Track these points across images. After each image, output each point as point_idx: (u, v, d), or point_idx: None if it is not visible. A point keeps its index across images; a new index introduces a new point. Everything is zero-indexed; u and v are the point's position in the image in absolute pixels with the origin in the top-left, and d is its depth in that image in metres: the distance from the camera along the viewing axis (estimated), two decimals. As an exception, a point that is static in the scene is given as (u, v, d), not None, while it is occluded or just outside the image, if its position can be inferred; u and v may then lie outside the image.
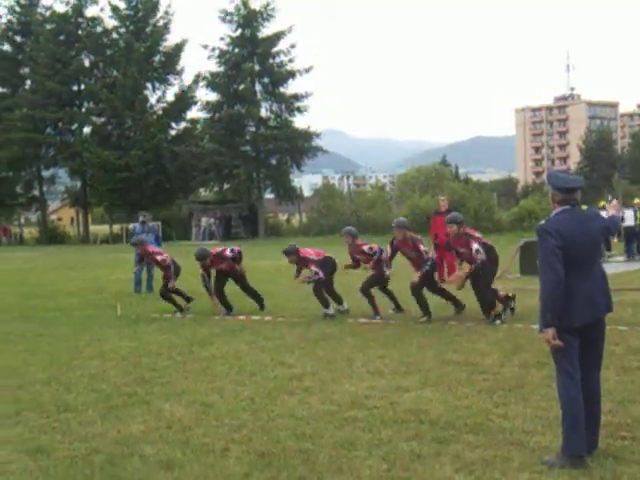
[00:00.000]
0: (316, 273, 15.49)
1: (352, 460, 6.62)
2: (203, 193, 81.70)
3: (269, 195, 74.07)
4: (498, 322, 13.81)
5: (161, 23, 70.41)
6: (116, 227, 72.24)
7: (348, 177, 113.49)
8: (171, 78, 71.14)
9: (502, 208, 66.04)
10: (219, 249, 16.89)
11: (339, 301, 15.94)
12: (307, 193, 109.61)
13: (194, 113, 72.57)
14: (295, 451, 6.91)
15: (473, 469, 6.29)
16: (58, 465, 6.77)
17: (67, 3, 70.23)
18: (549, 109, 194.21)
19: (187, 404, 8.74)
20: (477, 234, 14.57)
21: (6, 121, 68.89)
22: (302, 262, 15.93)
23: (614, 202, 7.92)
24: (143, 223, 21.91)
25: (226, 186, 71.61)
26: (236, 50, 67.43)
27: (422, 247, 14.91)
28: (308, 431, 7.51)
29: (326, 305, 15.49)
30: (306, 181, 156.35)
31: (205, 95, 72.40)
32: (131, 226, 26.27)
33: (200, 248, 16.92)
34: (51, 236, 71.61)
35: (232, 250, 16.61)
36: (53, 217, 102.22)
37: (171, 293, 17.25)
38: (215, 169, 67.82)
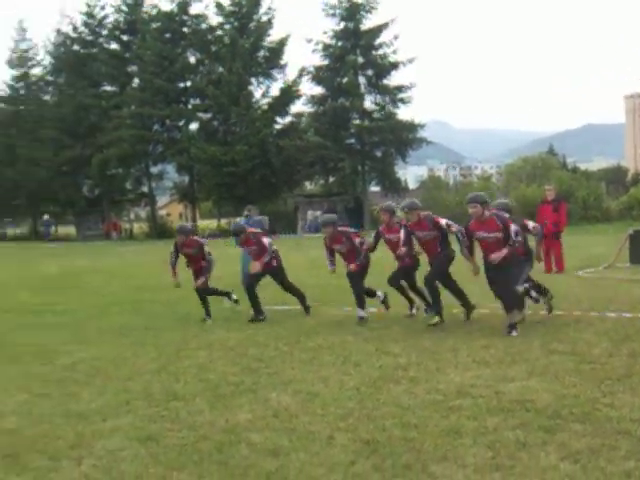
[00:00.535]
0: (361, 243, 14.40)
1: (457, 448, 6.63)
2: (309, 187, 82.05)
3: (374, 187, 74.01)
4: (514, 333, 12.04)
5: (265, 18, 70.83)
6: (224, 221, 73.09)
7: (454, 168, 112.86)
8: (275, 73, 71.49)
9: (611, 197, 64.87)
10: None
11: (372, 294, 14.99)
12: (412, 185, 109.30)
13: (298, 107, 72.95)
14: (400, 439, 6.95)
15: (579, 458, 6.24)
16: (168, 452, 6.95)
17: (172, 1, 71.14)
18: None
19: (293, 393, 8.85)
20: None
21: (115, 119, 70.25)
22: (339, 236, 14.57)
23: None
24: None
25: (331, 179, 71.78)
26: (339, 43, 67.44)
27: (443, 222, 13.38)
28: (413, 420, 7.54)
29: (362, 305, 14.48)
30: (411, 173, 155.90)
31: (309, 89, 72.83)
32: (237, 220, 26.54)
33: (236, 223, 16.44)
34: (160, 231, 72.62)
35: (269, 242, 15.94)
36: (162, 212, 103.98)
37: (206, 292, 15.99)
38: (320, 162, 67.97)
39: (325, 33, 67.43)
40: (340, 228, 14.79)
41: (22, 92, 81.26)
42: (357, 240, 14.50)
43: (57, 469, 6.65)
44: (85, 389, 9.61)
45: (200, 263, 15.83)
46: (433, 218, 13.53)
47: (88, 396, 9.23)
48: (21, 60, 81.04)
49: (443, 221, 13.43)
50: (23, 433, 7.79)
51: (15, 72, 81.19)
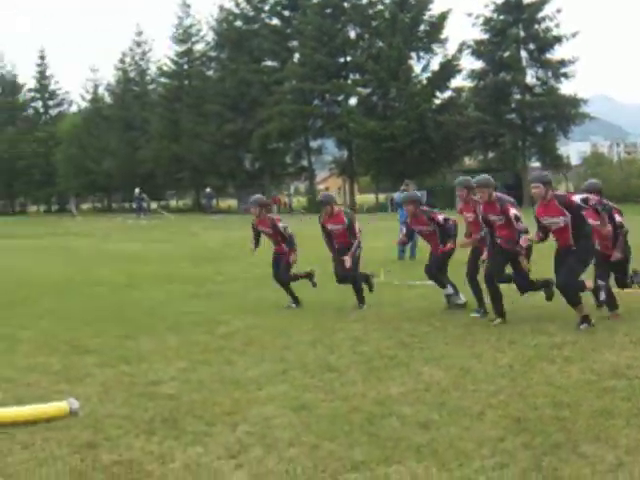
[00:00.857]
0: (446, 220, 13.34)
1: (609, 429, 6.56)
2: (467, 162, 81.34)
3: (535, 163, 72.81)
4: (584, 326, 10.90)
5: (425, -7, 70.41)
6: (382, 196, 73.24)
7: (618, 145, 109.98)
8: (435, 47, 71.05)
9: None
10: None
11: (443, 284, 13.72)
12: (575, 161, 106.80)
13: (458, 82, 72.21)
14: (551, 418, 6.92)
15: None
16: (320, 421, 7.10)
17: (333, -24, 71.43)
18: None
19: (446, 368, 8.89)
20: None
21: (276, 94, 71.23)
22: (421, 217, 13.61)
23: None
24: (404, 192, 22.14)
25: (491, 155, 70.92)
26: (501, 17, 66.39)
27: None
28: (566, 399, 7.48)
29: (443, 285, 13.75)
30: (574, 149, 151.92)
31: (470, 63, 71.93)
32: (394, 195, 26.53)
33: (326, 192, 16.06)
34: (319, 205, 73.11)
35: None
36: (321, 187, 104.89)
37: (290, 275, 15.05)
38: (480, 137, 67.23)
39: (486, 7, 66.66)
40: (423, 207, 13.82)
41: (186, 67, 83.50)
42: (440, 217, 13.43)
43: (212, 434, 6.90)
44: (242, 358, 9.89)
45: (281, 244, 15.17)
46: (507, 205, 11.78)
47: (244, 364, 9.50)
48: (185, 36, 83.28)
49: (512, 211, 11.63)
50: (182, 398, 8.08)
51: (179, 48, 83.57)
